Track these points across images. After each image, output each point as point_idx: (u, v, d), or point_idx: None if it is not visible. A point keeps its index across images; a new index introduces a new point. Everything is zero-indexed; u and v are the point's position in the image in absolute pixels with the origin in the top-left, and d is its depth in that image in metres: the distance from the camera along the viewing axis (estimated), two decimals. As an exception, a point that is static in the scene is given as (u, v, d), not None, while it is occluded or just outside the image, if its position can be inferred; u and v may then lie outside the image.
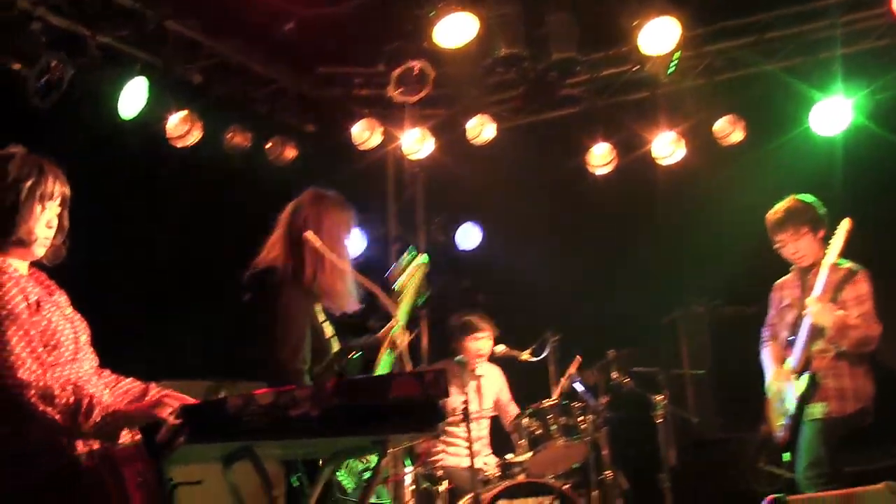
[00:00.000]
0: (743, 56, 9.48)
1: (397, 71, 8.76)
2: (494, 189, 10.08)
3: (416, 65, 8.71)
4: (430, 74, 8.76)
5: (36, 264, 4.31)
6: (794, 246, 7.28)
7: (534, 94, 9.54)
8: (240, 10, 8.34)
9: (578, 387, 8.26)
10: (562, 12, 8.66)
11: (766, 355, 7.54)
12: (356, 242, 5.75)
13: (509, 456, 8.16)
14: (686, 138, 9.75)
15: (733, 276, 9.52)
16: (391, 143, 10.11)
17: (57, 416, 3.87)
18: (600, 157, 10.05)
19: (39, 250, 4.23)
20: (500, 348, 8.61)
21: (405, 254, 6.27)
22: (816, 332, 7.07)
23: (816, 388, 7.07)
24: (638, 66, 9.40)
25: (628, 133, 10.00)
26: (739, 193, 9.21)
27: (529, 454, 8.01)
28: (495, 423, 8.98)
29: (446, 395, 3.96)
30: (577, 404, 8.14)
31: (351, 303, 5.58)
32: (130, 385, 4.39)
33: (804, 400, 7.12)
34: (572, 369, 8.35)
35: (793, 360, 7.22)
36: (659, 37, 8.39)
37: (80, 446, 3.99)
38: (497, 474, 8.04)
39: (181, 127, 8.69)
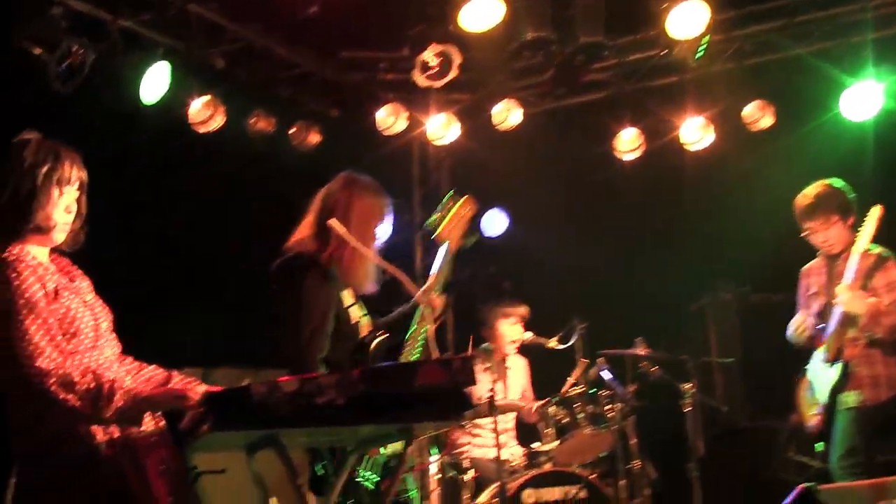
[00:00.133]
0: (772, 40, 9.39)
1: (422, 55, 8.68)
2: (521, 175, 10.02)
3: (442, 49, 8.63)
4: (456, 59, 8.68)
5: (58, 250, 4.29)
6: (825, 234, 7.20)
7: (560, 79, 9.42)
8: (263, -7, 8.29)
9: (606, 375, 8.17)
10: (589, -5, 8.59)
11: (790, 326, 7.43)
12: (386, 228, 5.64)
13: (535, 445, 8.12)
14: (714, 124, 9.69)
15: (762, 263, 9.45)
16: (416, 128, 10.02)
17: (78, 403, 3.86)
18: (628, 143, 9.99)
19: (59, 236, 4.22)
20: (528, 335, 8.55)
21: (445, 197, 6.01)
22: (848, 321, 6.98)
23: (849, 377, 6.99)
24: (666, 51, 9.24)
25: (656, 118, 9.93)
26: (768, 179, 9.16)
27: (556, 443, 7.96)
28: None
29: (473, 382, 3.93)
30: (604, 392, 8.08)
31: (368, 285, 5.52)
32: (153, 372, 4.37)
33: (837, 389, 7.03)
34: (577, 372, 8.28)
35: (824, 349, 7.13)
36: (687, 20, 8.30)
37: (100, 435, 3.97)
38: (523, 463, 8.00)
39: (204, 112, 8.64)
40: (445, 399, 3.93)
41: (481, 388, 7.59)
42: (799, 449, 8.21)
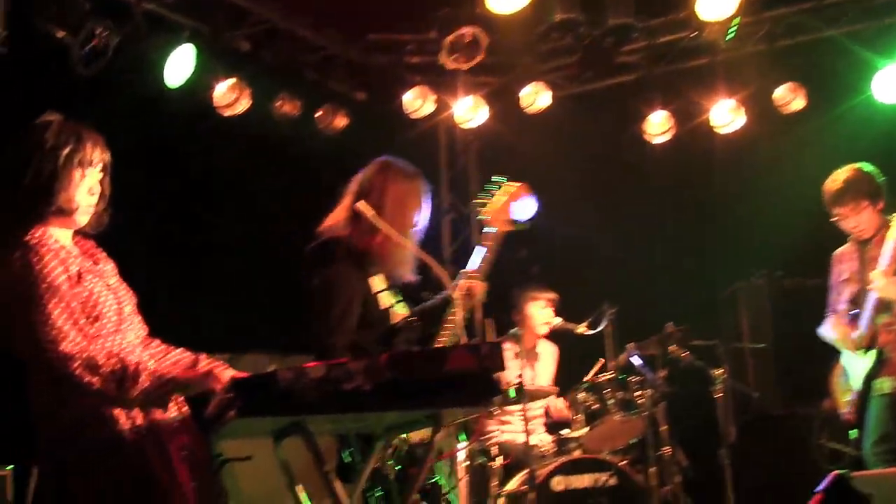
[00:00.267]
0: (804, 22, 9.31)
1: (450, 37, 8.67)
2: (549, 158, 9.92)
3: (469, 31, 8.62)
4: (484, 41, 8.67)
5: (81, 233, 4.25)
6: (855, 220, 7.12)
7: (589, 61, 9.36)
8: (288, -25, 8.24)
9: (636, 360, 8.11)
10: (618, -24, 8.54)
11: (827, 329, 7.35)
12: (424, 215, 5.59)
13: (565, 431, 8.12)
14: (745, 106, 9.63)
15: (794, 247, 9.37)
16: (444, 111, 10.01)
17: (102, 385, 3.83)
18: (657, 126, 9.93)
19: (82, 218, 4.17)
20: (557, 321, 8.50)
21: (493, 182, 5.90)
22: (883, 307, 6.91)
23: (884, 363, 6.92)
24: (696, 33, 9.25)
25: (686, 101, 9.87)
26: (800, 163, 9.09)
27: (586, 429, 7.96)
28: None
29: (503, 368, 3.86)
30: (634, 378, 8.04)
31: (405, 273, 5.47)
32: (180, 356, 4.33)
33: (871, 375, 6.96)
34: (593, 373, 8.25)
35: (858, 336, 7.05)
36: (718, 2, 8.31)
37: (123, 419, 3.94)
38: (553, 450, 7.98)
39: (229, 95, 8.61)
40: (474, 385, 3.85)
41: (510, 374, 7.53)
42: (832, 436, 8.14)
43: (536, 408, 8.55)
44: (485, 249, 5.58)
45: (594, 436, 7.95)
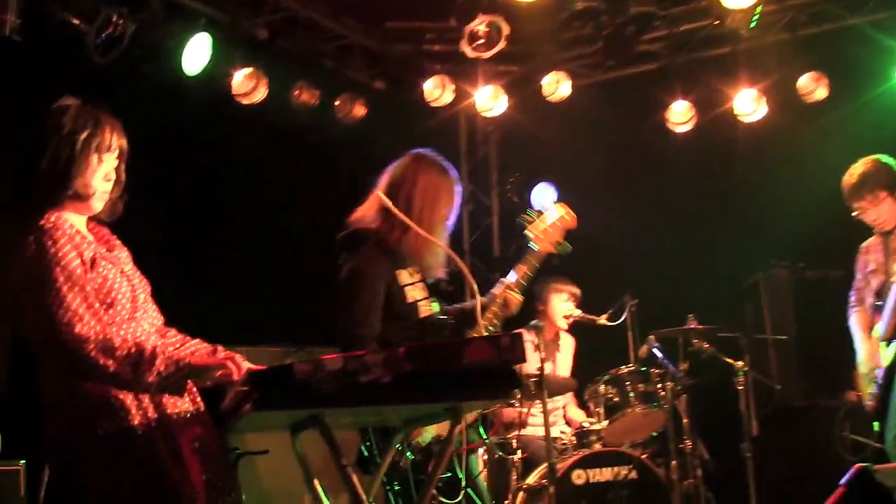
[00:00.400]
0: (827, 10, 9.24)
1: (470, 26, 8.61)
2: (570, 148, 9.93)
3: (490, 19, 8.58)
4: (504, 29, 8.63)
5: (96, 219, 4.23)
6: (875, 212, 7.05)
7: (611, 50, 9.30)
8: (306, -37, 8.21)
9: (657, 352, 8.06)
10: (640, -36, 8.51)
11: (854, 322, 7.28)
12: (455, 210, 5.58)
13: (585, 424, 8.06)
14: (768, 95, 9.57)
15: (817, 238, 9.33)
16: (463, 100, 9.95)
17: (118, 368, 3.81)
18: (679, 115, 9.86)
19: (98, 204, 4.15)
20: (577, 312, 8.44)
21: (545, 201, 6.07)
22: (904, 298, 6.85)
23: (906, 356, 6.86)
24: (718, 21, 9.17)
25: (708, 90, 9.80)
26: (822, 152, 8.99)
27: (606, 422, 7.92)
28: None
29: (523, 359, 3.85)
30: (655, 371, 8.03)
31: (435, 269, 5.45)
32: (198, 346, 4.30)
33: (894, 367, 6.86)
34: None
35: (881, 327, 6.98)
36: (740, -10, 8.21)
37: (134, 410, 3.91)
38: (573, 443, 7.94)
39: (246, 84, 8.55)
40: (494, 377, 3.84)
41: (529, 366, 7.49)
42: (855, 428, 8.12)
43: (556, 400, 8.49)
44: (525, 266, 5.66)
45: (615, 429, 7.91)
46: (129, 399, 3.89)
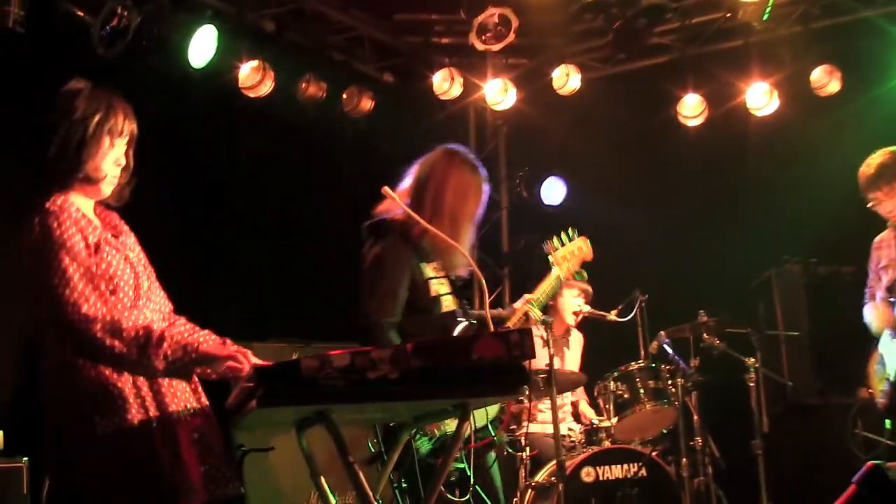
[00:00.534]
0: (840, 2, 9.24)
1: (479, 18, 8.63)
2: (580, 142, 9.93)
3: (499, 12, 8.59)
4: (514, 22, 8.63)
5: (104, 204, 4.24)
6: (891, 204, 7.02)
7: (621, 43, 9.28)
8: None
9: (668, 349, 8.02)
10: (652, -44, 8.52)
11: (868, 312, 7.24)
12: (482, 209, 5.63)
13: (595, 421, 8.03)
14: (780, 89, 9.55)
15: (830, 233, 9.30)
16: (473, 93, 9.93)
17: (124, 349, 3.81)
18: (691, 109, 9.86)
19: (107, 188, 4.16)
20: (587, 308, 8.38)
21: (566, 232, 6.30)
22: (919, 294, 6.84)
23: (919, 352, 6.86)
24: (730, 14, 9.18)
25: (720, 84, 9.78)
26: (835, 146, 8.95)
27: (615, 419, 7.89)
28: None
29: (532, 355, 3.83)
30: (665, 367, 7.99)
31: (459, 267, 5.44)
32: (207, 337, 4.24)
33: (905, 364, 6.87)
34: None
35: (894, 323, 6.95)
36: (753, -18, 8.18)
37: (132, 399, 3.89)
38: (582, 440, 7.90)
39: (253, 77, 8.48)
40: (503, 373, 3.81)
41: (538, 362, 7.44)
42: (867, 425, 8.08)
43: (564, 397, 8.44)
44: (548, 287, 6.00)
45: (624, 426, 7.88)
46: (127, 387, 3.87)
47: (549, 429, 7.45)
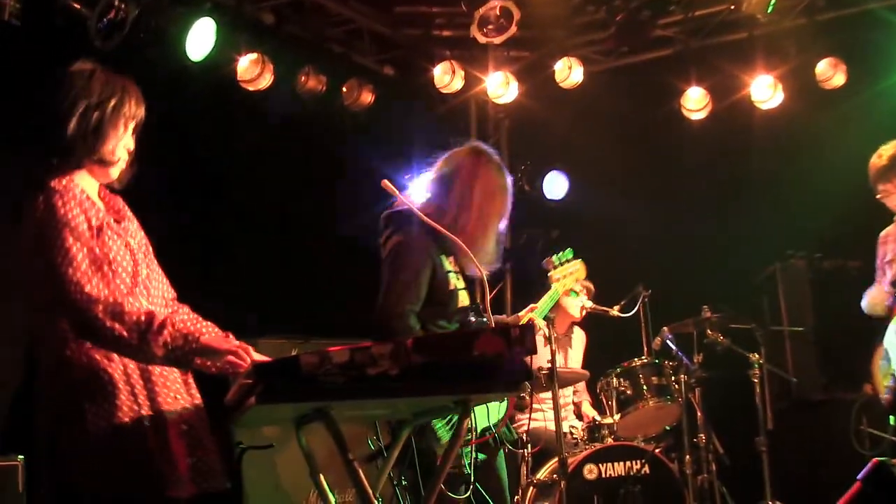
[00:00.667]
0: (845, -7, 9.20)
1: (480, 11, 8.56)
2: (582, 135, 9.89)
3: (500, 4, 8.52)
4: (515, 14, 8.57)
5: (109, 187, 4.24)
6: (900, 196, 7.03)
7: (624, 36, 9.26)
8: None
9: (671, 345, 8.00)
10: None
11: (867, 293, 7.26)
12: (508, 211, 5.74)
13: (597, 418, 8.01)
14: (785, 82, 9.50)
15: (835, 228, 9.28)
16: (474, 86, 9.85)
17: (125, 333, 3.80)
18: (694, 102, 9.81)
19: (116, 172, 4.20)
20: (589, 304, 8.31)
21: (564, 252, 6.50)
22: (924, 289, 6.83)
23: (924, 346, 6.84)
24: (734, 6, 9.13)
25: (724, 76, 9.75)
26: (841, 140, 8.96)
27: (618, 416, 7.85)
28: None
29: (534, 351, 3.83)
30: (669, 363, 7.98)
31: (475, 266, 5.30)
32: (209, 328, 4.25)
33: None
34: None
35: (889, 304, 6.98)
36: (757, -26, 8.14)
37: (127, 407, 3.85)
38: (584, 437, 7.87)
39: (252, 70, 8.44)
40: (504, 369, 3.79)
41: (540, 359, 7.41)
42: (872, 421, 8.04)
43: (567, 394, 8.45)
44: (546, 302, 6.11)
45: (627, 422, 7.85)
46: (118, 373, 3.85)
47: (552, 425, 7.42)
